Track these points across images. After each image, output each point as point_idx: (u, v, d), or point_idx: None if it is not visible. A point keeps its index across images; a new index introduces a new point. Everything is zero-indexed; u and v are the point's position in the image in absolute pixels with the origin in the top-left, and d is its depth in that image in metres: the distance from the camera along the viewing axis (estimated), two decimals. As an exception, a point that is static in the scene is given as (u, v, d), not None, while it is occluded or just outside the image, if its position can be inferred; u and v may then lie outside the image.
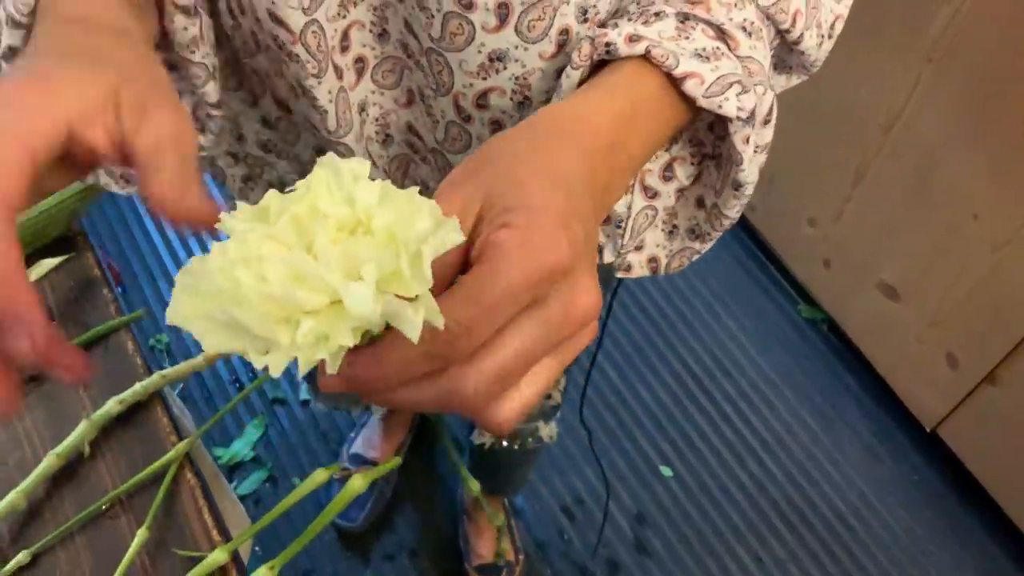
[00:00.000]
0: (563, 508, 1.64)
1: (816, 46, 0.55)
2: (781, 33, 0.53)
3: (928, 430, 1.65)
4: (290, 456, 1.67)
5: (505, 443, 1.23)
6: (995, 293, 1.37)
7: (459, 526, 1.60)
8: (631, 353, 1.83)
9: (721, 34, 0.48)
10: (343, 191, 0.34)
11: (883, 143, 1.46)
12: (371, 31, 0.55)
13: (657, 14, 0.48)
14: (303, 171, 0.69)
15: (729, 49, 0.49)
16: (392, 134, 0.62)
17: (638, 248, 0.60)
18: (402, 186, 0.45)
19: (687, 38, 0.47)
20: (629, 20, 0.48)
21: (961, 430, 1.57)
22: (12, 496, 0.59)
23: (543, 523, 1.63)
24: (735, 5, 0.49)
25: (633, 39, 0.46)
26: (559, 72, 0.53)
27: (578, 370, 1.61)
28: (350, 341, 0.33)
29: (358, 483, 0.58)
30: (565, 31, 0.51)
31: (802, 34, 0.53)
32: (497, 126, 0.58)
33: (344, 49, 0.55)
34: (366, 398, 0.36)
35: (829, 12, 0.56)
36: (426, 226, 0.33)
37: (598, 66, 0.48)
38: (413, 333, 0.31)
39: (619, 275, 0.61)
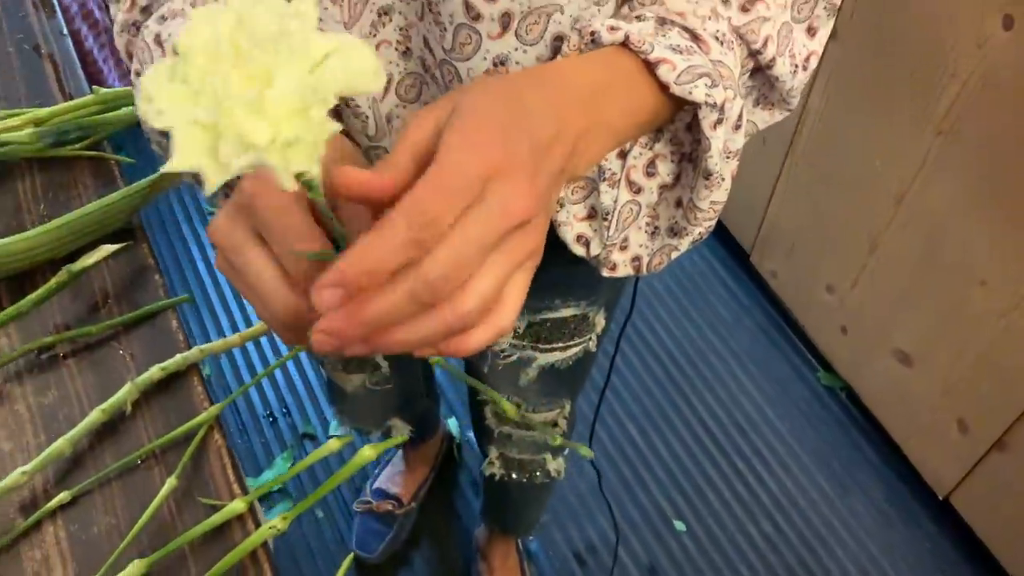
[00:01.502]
0: (575, 555, 1.68)
1: (790, 74, 0.61)
2: (753, 54, 0.59)
3: (940, 498, 1.66)
4: (315, 489, 1.73)
5: (514, 475, 1.28)
6: (1002, 359, 1.41)
7: (472, 566, 1.64)
8: (646, 402, 1.88)
9: (695, 38, 0.55)
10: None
11: (895, 213, 1.52)
12: (396, 49, 0.62)
13: (639, 17, 0.56)
14: None
15: (701, 51, 0.55)
16: None
17: (623, 248, 0.66)
18: None
19: (663, 35, 0.54)
20: (611, 19, 0.55)
21: (972, 498, 1.59)
22: (60, 443, 0.67)
23: (556, 570, 1.66)
24: (709, 18, 0.56)
25: (613, 28, 0.53)
26: None
27: (587, 406, 1.67)
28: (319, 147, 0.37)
29: (368, 452, 0.65)
30: (559, 37, 0.58)
31: (774, 58, 0.59)
32: None
33: None
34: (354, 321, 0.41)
35: (803, 46, 0.62)
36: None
37: None
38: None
39: (605, 273, 0.67)
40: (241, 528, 0.65)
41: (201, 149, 0.36)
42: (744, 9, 0.57)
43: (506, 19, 0.56)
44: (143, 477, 0.68)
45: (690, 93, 0.52)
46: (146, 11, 0.63)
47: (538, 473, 1.27)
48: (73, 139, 0.85)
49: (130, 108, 0.85)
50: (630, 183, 0.63)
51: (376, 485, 1.69)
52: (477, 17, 0.56)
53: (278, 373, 1.90)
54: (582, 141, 0.49)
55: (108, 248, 0.76)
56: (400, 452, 1.71)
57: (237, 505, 0.65)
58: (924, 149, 1.42)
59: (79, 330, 0.73)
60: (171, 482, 0.66)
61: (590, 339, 0.96)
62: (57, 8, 0.97)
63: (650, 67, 0.52)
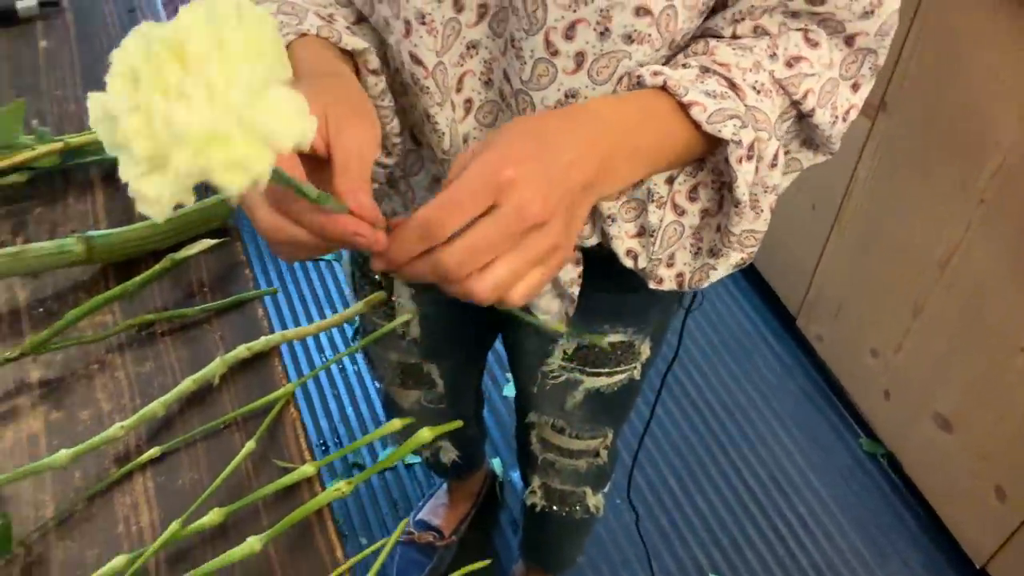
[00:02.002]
0: (610, 599, 1.71)
1: (829, 124, 0.69)
2: (795, 103, 0.67)
3: (978, 567, 1.67)
4: (361, 517, 1.79)
5: (555, 507, 1.33)
6: (1041, 425, 1.44)
7: (509, 603, 1.68)
8: (686, 454, 1.91)
9: (732, 86, 0.64)
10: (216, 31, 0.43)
11: (939, 278, 1.57)
12: (479, 79, 0.71)
13: (685, 65, 0.65)
14: (408, 206, 0.86)
15: (738, 98, 0.63)
16: None
17: (669, 264, 0.74)
18: None
19: (701, 82, 0.63)
20: (660, 66, 0.65)
21: (1010, 566, 1.59)
22: (154, 405, 0.75)
23: (590, 611, 1.69)
24: (750, 70, 0.65)
25: (656, 74, 0.63)
26: None
27: (627, 452, 1.71)
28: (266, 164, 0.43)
29: (426, 434, 0.72)
30: (625, 75, 0.67)
31: (814, 109, 0.67)
32: None
33: (458, 90, 0.72)
34: (392, 269, 0.55)
35: (845, 100, 0.70)
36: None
37: None
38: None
39: (652, 285, 0.75)
40: (309, 489, 0.72)
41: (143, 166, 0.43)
42: (788, 65, 0.66)
43: (580, 58, 0.65)
44: (225, 440, 0.75)
45: (719, 131, 0.61)
46: None
47: (578, 507, 1.32)
48: (180, 149, 0.94)
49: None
50: (675, 206, 0.71)
51: (419, 516, 1.74)
52: (555, 53, 0.65)
53: (333, 406, 1.98)
54: (609, 162, 0.59)
55: (207, 242, 0.85)
56: (444, 486, 1.76)
57: (307, 469, 0.73)
58: (967, 217, 1.47)
59: (176, 311, 0.82)
60: (250, 445, 0.73)
61: (635, 367, 1.02)
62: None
63: (684, 108, 0.62)
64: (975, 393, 1.56)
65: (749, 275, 2.21)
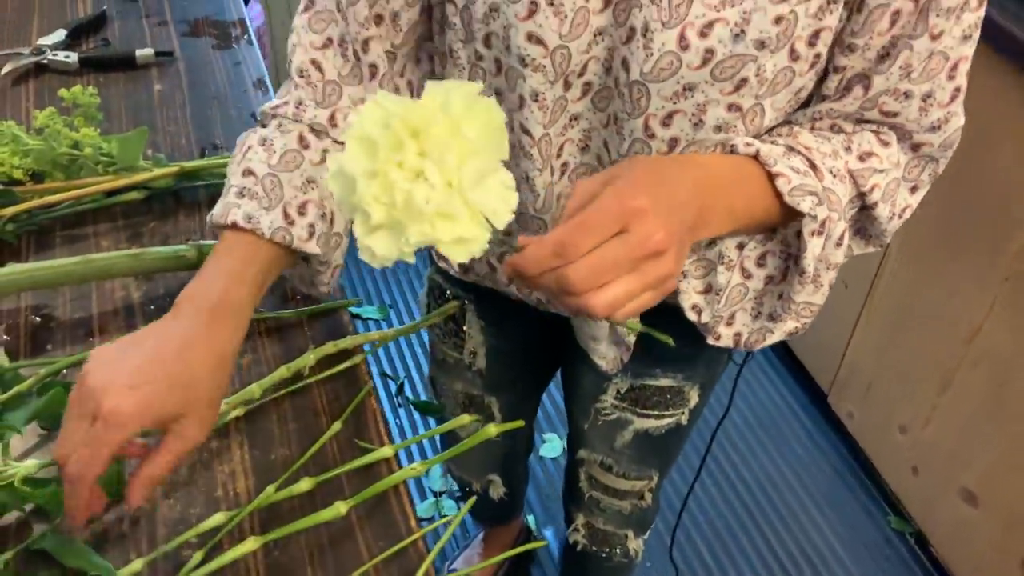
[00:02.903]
0: (639, 656, 1.73)
1: (887, 219, 0.77)
2: (862, 194, 0.74)
3: (1005, 643, 1.68)
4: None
5: (595, 547, 1.38)
6: (1065, 497, 1.48)
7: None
8: (720, 528, 1.95)
9: (813, 167, 0.71)
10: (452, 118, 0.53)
11: (965, 354, 1.64)
12: (577, 145, 0.80)
13: (773, 142, 0.72)
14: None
15: (816, 178, 0.70)
16: None
17: (728, 323, 0.81)
18: None
19: (787, 159, 0.70)
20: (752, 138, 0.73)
21: (1036, 643, 1.61)
22: (252, 387, 0.84)
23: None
24: (829, 156, 0.72)
25: (748, 144, 0.70)
26: None
27: (669, 512, 1.75)
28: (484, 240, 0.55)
29: (492, 430, 0.81)
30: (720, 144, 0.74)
31: (877, 203, 0.75)
32: None
33: (558, 156, 0.80)
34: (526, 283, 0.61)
35: (903, 199, 0.78)
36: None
37: None
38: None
39: (710, 341, 0.81)
40: (387, 468, 0.81)
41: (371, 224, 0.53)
42: (861, 159, 0.73)
43: (673, 143, 0.73)
44: (314, 424, 0.84)
45: (798, 204, 0.68)
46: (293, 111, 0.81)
47: (618, 550, 1.37)
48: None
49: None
50: (743, 269, 0.78)
51: (454, 565, 1.79)
52: (652, 136, 0.73)
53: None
54: (707, 212, 0.66)
55: (301, 256, 0.96)
56: (480, 536, 1.82)
57: (386, 450, 0.81)
58: (992, 294, 1.55)
59: (274, 312, 0.92)
60: (336, 426, 0.82)
61: (683, 413, 1.09)
62: (270, 89, 1.21)
63: (771, 177, 0.69)
64: (999, 466, 1.61)
65: (782, 353, 2.28)
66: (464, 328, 1.12)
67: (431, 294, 1.14)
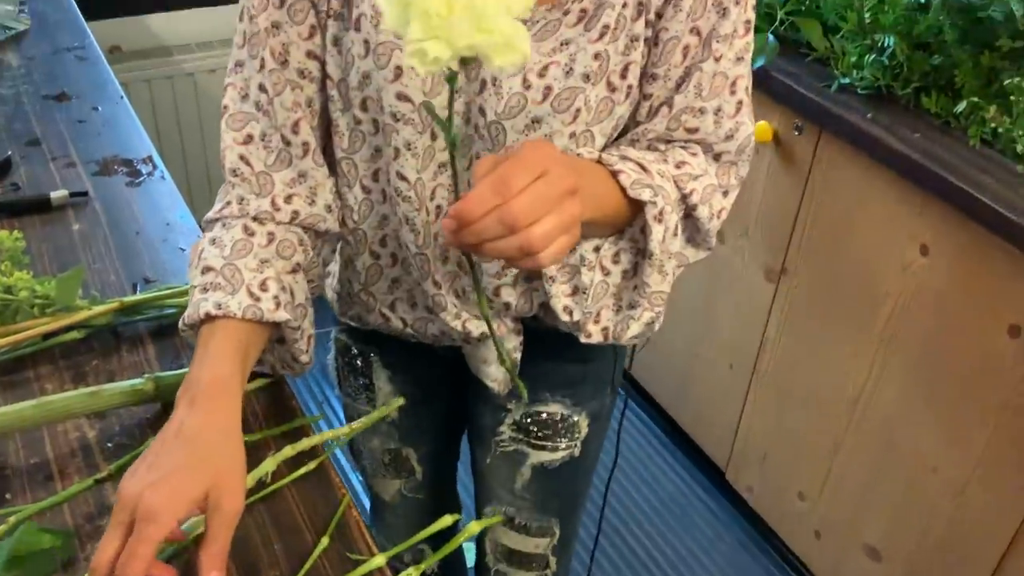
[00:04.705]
0: None
1: (708, 218, 0.91)
2: (684, 196, 0.89)
3: None
4: None
5: None
6: (960, 537, 1.61)
7: None
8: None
9: (644, 170, 0.85)
10: None
11: (851, 416, 1.78)
12: (448, 190, 0.92)
13: (610, 154, 0.87)
14: (370, 310, 1.04)
15: (648, 176, 0.85)
16: (449, 257, 0.96)
17: (596, 320, 0.94)
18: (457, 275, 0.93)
19: (623, 163, 0.85)
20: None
21: None
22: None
23: None
24: (654, 162, 0.87)
25: (591, 152, 0.87)
26: None
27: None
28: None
29: (474, 527, 0.85)
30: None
31: (697, 205, 0.89)
32: None
33: (432, 198, 0.91)
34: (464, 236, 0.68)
35: (719, 202, 0.92)
36: None
37: None
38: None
39: (583, 339, 0.95)
40: (381, 576, 0.82)
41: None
42: (677, 167, 0.89)
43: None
44: (299, 540, 0.84)
45: (639, 195, 0.83)
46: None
47: None
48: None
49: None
50: (602, 267, 0.92)
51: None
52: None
53: None
54: (582, 189, 0.74)
55: (261, 381, 0.97)
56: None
57: (377, 560, 0.83)
58: (869, 358, 1.70)
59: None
60: (324, 540, 0.83)
61: (576, 445, 1.17)
62: (192, 217, 1.23)
63: (615, 175, 0.83)
64: (898, 518, 1.73)
65: (677, 436, 2.37)
66: (373, 380, 1.17)
67: (340, 355, 1.20)
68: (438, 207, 0.92)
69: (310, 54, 0.87)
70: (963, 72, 1.49)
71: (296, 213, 0.91)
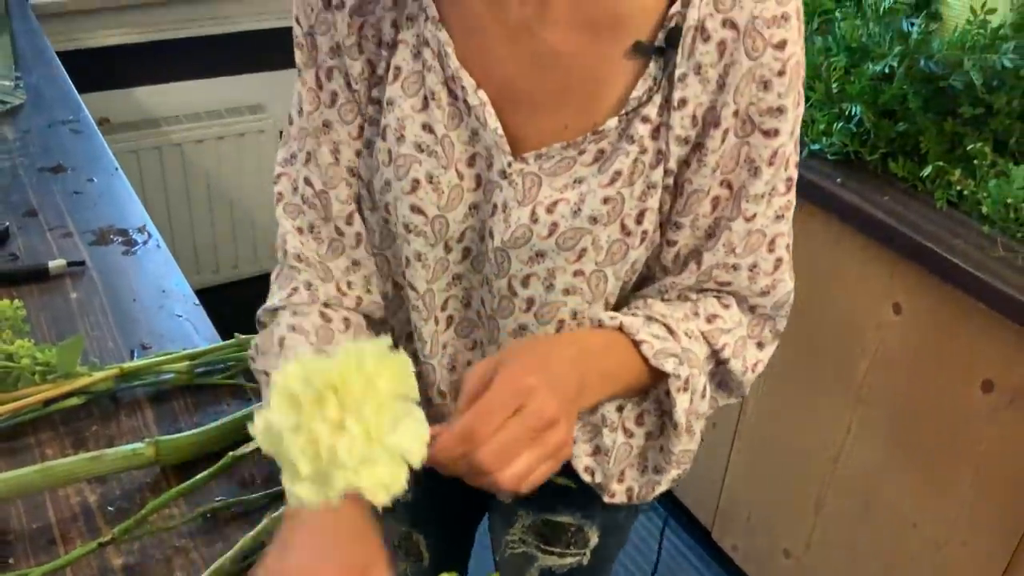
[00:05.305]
0: None
1: (741, 372, 0.86)
2: (715, 351, 0.84)
3: None
4: None
5: None
6: (942, 593, 1.63)
7: None
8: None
9: (671, 332, 0.81)
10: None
11: (833, 473, 1.81)
12: (461, 302, 0.90)
13: (633, 314, 0.83)
14: None
15: (675, 341, 0.81)
16: (456, 366, 0.95)
17: (620, 480, 0.91)
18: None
19: (648, 327, 0.81)
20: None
21: None
22: (221, 562, 0.86)
23: None
24: (682, 319, 0.83)
25: (612, 318, 0.81)
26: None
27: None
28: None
29: None
30: (562, 321, 0.86)
31: (729, 359, 0.85)
32: None
33: (443, 309, 0.90)
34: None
35: (752, 355, 0.88)
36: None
37: None
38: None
39: (605, 499, 0.92)
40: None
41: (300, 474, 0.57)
42: (708, 320, 0.84)
43: (530, 302, 0.85)
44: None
45: (662, 365, 0.79)
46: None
47: None
48: (217, 371, 1.10)
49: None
50: (625, 429, 0.89)
51: None
52: (514, 294, 0.85)
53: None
54: (586, 379, 0.75)
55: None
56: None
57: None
58: (848, 416, 1.74)
59: (240, 498, 0.95)
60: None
61: (584, 553, 1.15)
62: (187, 286, 1.26)
63: (636, 344, 0.79)
64: (880, 573, 1.75)
65: (663, 498, 2.38)
66: None
67: None
68: (449, 318, 0.91)
69: (359, 153, 0.87)
70: (928, 138, 1.56)
71: (359, 299, 0.90)
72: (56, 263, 1.26)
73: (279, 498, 0.96)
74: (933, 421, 1.59)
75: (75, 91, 1.78)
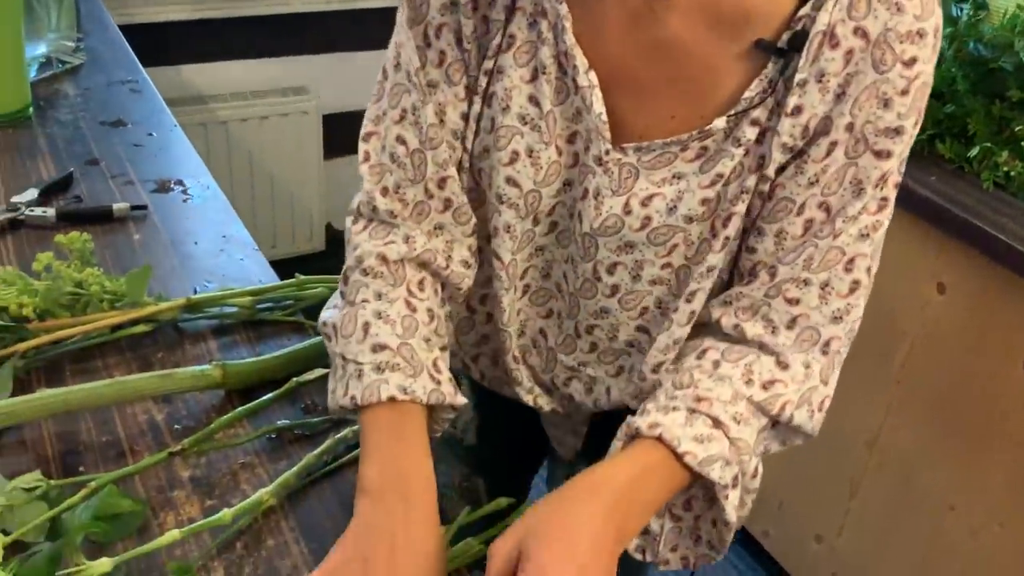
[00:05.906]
0: None
1: (808, 419, 0.80)
2: (774, 418, 0.78)
3: None
4: None
5: None
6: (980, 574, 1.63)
7: None
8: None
9: (717, 423, 0.75)
10: None
11: (868, 458, 1.81)
12: (540, 272, 0.90)
13: (675, 408, 0.77)
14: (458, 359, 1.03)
15: (723, 433, 0.75)
16: (526, 331, 0.96)
17: (673, 550, 0.85)
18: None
19: (691, 426, 0.75)
20: (654, 405, 0.78)
21: None
22: (287, 474, 0.87)
23: None
24: (730, 402, 0.76)
25: (652, 426, 0.75)
26: (637, 328, 0.87)
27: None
28: None
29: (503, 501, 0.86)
30: (645, 308, 0.85)
31: (792, 415, 0.79)
32: (594, 344, 0.91)
33: (522, 277, 0.90)
34: None
35: (820, 395, 0.81)
36: None
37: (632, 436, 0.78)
38: None
39: (661, 568, 0.88)
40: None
41: None
42: (764, 388, 0.78)
43: (615, 289, 0.85)
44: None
45: (708, 475, 0.74)
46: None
47: None
48: (279, 307, 1.13)
49: (321, 288, 1.14)
50: (672, 515, 0.84)
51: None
52: (599, 279, 0.85)
53: None
54: (623, 523, 0.73)
55: (320, 371, 1.02)
56: None
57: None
58: (886, 398, 1.74)
59: (304, 421, 0.97)
60: (389, 514, 0.86)
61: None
62: (247, 235, 1.29)
63: (678, 456, 0.74)
64: (916, 559, 1.75)
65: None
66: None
67: None
68: (526, 286, 0.91)
69: (464, 117, 0.84)
70: (975, 120, 1.57)
71: (445, 264, 0.87)
72: (120, 205, 1.29)
73: (341, 423, 0.98)
74: (973, 402, 1.59)
75: (133, 55, 1.82)
